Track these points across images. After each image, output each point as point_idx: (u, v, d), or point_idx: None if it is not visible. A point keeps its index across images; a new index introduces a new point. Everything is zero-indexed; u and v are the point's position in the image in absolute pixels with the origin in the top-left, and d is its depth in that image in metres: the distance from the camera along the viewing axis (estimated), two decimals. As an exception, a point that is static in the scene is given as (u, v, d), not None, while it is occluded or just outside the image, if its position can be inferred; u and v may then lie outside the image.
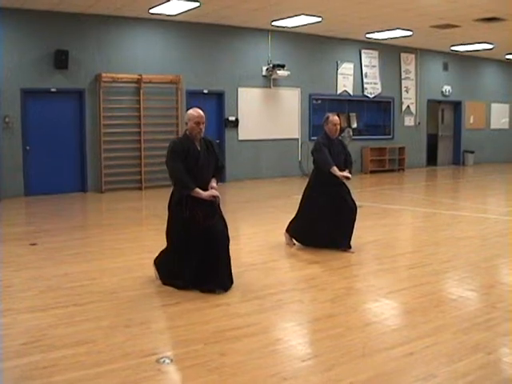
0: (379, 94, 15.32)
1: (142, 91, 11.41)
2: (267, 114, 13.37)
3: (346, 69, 14.61)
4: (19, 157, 10.42)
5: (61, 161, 10.92)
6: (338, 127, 6.11)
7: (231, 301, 4.41)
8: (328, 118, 6.09)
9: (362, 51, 14.86)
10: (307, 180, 6.39)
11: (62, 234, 7.17)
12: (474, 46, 15.17)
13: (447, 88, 16.94)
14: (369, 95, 15.12)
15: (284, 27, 12.67)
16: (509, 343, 3.55)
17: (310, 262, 5.67)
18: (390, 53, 15.34)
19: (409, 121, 16.23)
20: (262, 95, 13.26)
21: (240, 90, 12.88)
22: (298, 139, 13.95)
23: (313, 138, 12.85)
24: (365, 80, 14.99)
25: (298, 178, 13.36)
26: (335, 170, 5.89)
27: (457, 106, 17.57)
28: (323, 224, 5.96)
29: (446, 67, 16.94)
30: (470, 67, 17.45)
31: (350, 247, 6.02)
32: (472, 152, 17.55)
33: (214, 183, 4.76)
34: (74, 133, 11.05)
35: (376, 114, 15.45)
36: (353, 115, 14.93)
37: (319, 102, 14.22)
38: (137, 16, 11.22)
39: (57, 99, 10.81)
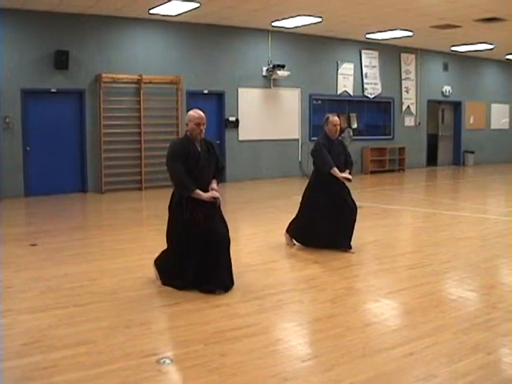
0: (379, 94, 15.32)
1: (142, 92, 11.41)
2: (267, 115, 13.36)
3: (346, 69, 14.61)
4: (19, 157, 10.43)
5: (61, 161, 10.93)
6: (338, 128, 6.10)
7: (231, 301, 4.41)
8: (328, 118, 6.09)
9: (362, 51, 14.86)
10: (307, 180, 6.39)
11: (62, 234, 7.17)
12: (474, 47, 15.16)
13: (447, 88, 16.94)
14: (369, 95, 15.12)
15: (284, 27, 12.67)
16: (509, 343, 3.55)
17: (310, 262, 5.68)
18: (390, 53, 15.34)
19: (409, 121, 16.23)
20: (262, 95, 13.26)
21: (240, 90, 12.88)
22: (298, 139, 13.95)
23: (313, 138, 12.84)
24: (365, 80, 14.99)
25: (298, 178, 13.35)
26: (335, 170, 5.89)
27: (457, 107, 17.56)
28: (323, 224, 5.96)
29: (446, 67, 16.93)
30: (470, 67, 17.45)
31: (350, 247, 6.02)
32: (472, 152, 17.54)
33: (214, 184, 4.75)
34: (74, 133, 11.06)
35: (376, 114, 15.44)
36: (353, 115, 14.93)
37: (319, 102, 14.22)
38: (137, 16, 11.23)
39: (57, 100, 10.82)
